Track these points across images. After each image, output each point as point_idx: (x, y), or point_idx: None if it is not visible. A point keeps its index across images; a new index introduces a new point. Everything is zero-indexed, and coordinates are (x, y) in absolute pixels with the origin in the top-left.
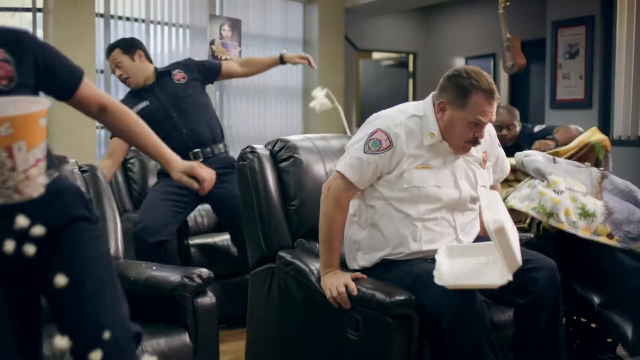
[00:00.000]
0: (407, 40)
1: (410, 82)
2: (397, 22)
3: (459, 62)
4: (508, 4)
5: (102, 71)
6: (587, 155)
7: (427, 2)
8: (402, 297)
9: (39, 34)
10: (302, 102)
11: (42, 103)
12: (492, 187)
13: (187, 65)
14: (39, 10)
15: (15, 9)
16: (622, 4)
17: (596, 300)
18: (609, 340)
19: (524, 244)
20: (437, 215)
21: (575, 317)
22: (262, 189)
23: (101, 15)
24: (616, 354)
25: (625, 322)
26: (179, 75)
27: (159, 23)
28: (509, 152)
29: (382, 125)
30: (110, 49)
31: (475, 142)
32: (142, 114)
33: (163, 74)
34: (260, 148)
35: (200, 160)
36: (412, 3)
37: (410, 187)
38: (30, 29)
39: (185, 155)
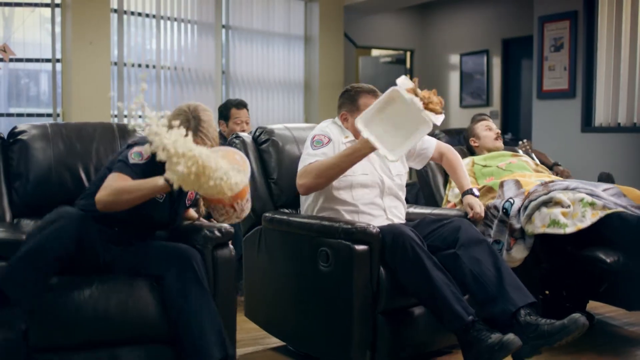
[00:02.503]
0: (404, 37)
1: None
2: (395, 20)
3: (454, 59)
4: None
5: (115, 63)
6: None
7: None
8: (364, 225)
9: (57, 29)
10: (303, 95)
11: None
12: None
13: None
14: (57, 5)
15: (35, 5)
16: (603, 0)
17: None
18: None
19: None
20: (369, 200)
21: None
22: None
23: (115, 11)
24: (586, 310)
25: (604, 252)
26: None
27: (168, 19)
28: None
29: (316, 131)
30: (242, 106)
31: None
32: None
33: None
34: (244, 135)
35: None
36: (409, 1)
37: (344, 177)
38: (48, 24)
39: None
